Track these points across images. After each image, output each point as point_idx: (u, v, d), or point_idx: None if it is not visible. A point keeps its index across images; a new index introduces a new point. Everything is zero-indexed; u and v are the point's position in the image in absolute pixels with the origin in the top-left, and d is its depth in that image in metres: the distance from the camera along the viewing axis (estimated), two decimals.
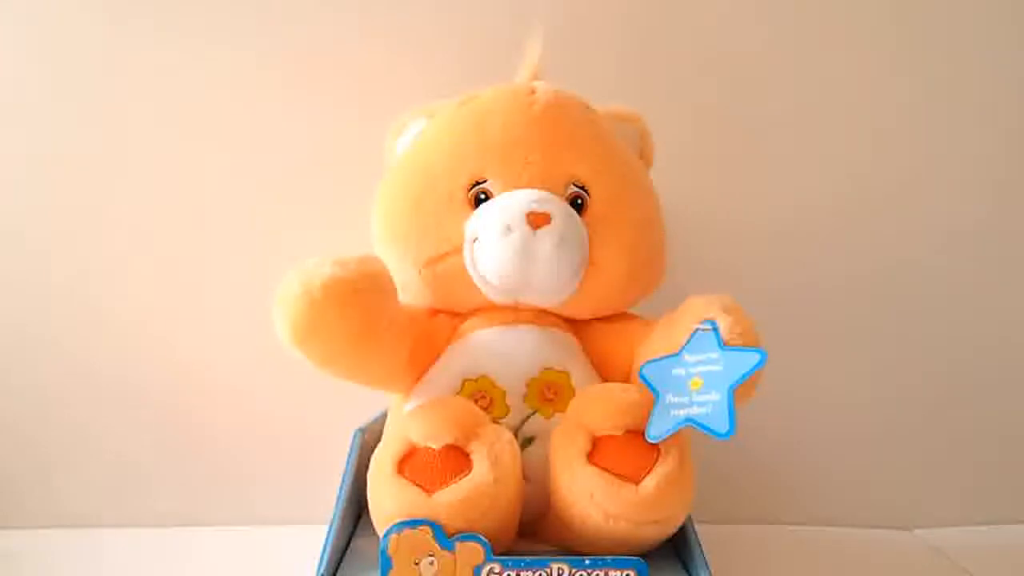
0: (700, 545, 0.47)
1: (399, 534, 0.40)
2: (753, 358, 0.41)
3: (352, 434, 0.55)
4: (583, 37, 0.72)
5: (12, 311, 0.72)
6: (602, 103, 0.58)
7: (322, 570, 0.44)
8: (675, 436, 0.44)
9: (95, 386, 0.73)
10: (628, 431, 0.44)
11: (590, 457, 0.44)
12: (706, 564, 0.45)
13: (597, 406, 0.46)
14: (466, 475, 0.42)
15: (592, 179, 0.53)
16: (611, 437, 0.44)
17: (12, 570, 0.64)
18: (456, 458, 0.43)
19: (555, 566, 0.41)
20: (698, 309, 0.46)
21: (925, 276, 0.77)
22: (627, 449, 0.44)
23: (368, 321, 0.46)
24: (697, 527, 0.48)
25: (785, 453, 0.77)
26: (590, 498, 0.43)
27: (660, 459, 0.43)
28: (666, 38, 0.75)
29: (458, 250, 0.51)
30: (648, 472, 0.43)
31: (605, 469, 0.43)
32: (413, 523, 0.41)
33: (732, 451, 0.74)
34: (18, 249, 0.72)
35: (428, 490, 0.42)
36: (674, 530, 0.46)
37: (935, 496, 0.78)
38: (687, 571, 0.47)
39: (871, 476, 0.78)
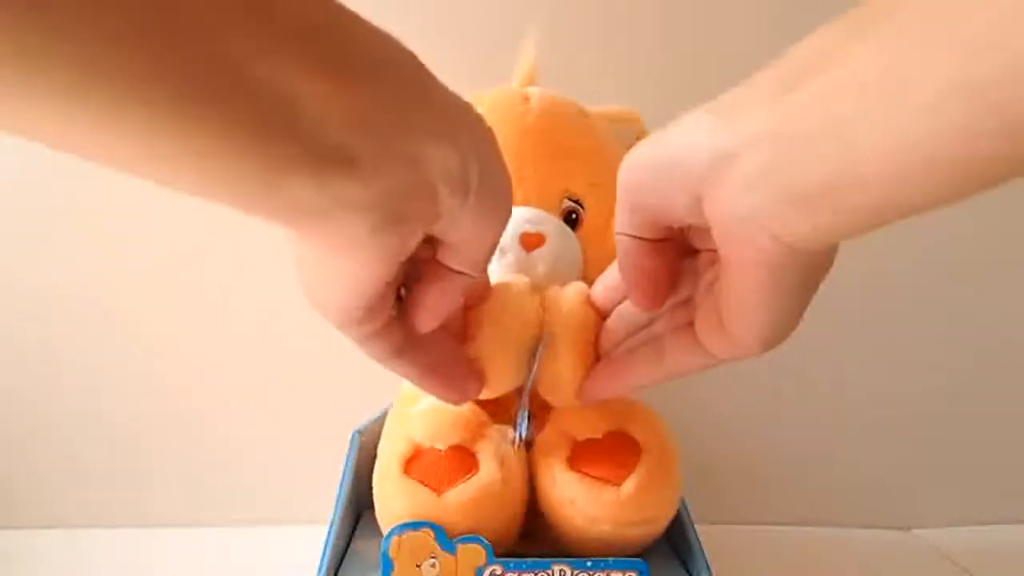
0: (701, 546, 0.47)
1: (401, 536, 0.40)
2: None
3: (351, 435, 0.55)
4: (581, 37, 0.73)
5: (9, 311, 0.72)
6: (601, 104, 0.58)
7: (322, 573, 0.44)
8: (656, 435, 0.44)
9: (93, 386, 0.73)
10: (608, 434, 0.44)
11: (570, 462, 0.44)
12: (707, 565, 0.45)
13: (576, 411, 0.46)
14: (474, 475, 0.42)
15: (587, 192, 0.52)
16: (591, 441, 0.44)
17: (9, 571, 0.64)
18: (463, 458, 0.43)
19: (556, 568, 0.41)
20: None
21: (925, 274, 0.77)
22: (608, 452, 0.44)
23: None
24: (697, 527, 0.48)
25: (784, 453, 0.77)
26: (571, 503, 0.43)
27: (641, 460, 0.43)
28: (665, 38, 0.75)
29: None
30: (630, 473, 0.43)
31: (585, 473, 0.43)
32: (415, 525, 0.41)
33: (729, 451, 0.75)
34: (14, 248, 0.72)
35: (437, 490, 0.42)
36: (660, 530, 0.45)
37: (935, 496, 0.78)
38: (688, 572, 0.47)
39: (870, 476, 0.78)
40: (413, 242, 0.29)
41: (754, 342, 0.32)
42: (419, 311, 0.35)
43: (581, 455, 0.44)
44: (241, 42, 0.21)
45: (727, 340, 0.34)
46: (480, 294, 0.42)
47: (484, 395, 0.42)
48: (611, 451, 0.44)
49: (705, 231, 0.31)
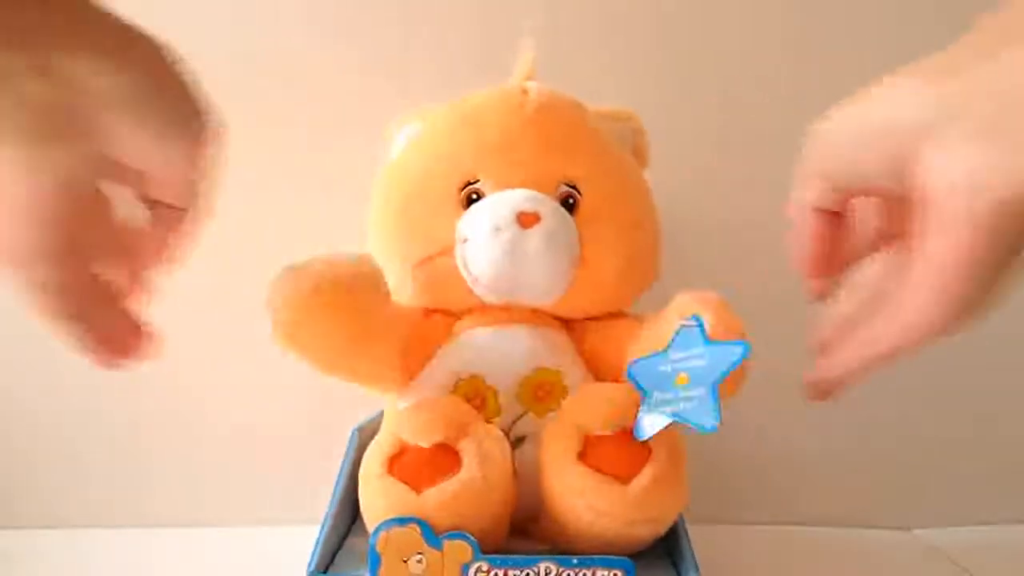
0: (690, 545, 0.47)
1: (388, 532, 0.41)
2: (736, 351, 0.41)
3: (350, 433, 0.56)
4: (578, 37, 0.73)
5: (9, 312, 0.72)
6: (596, 102, 0.58)
7: (313, 567, 0.45)
8: (666, 435, 0.44)
9: (94, 387, 0.73)
10: (620, 431, 0.44)
11: (581, 456, 0.44)
12: (695, 565, 0.45)
13: (589, 405, 0.46)
14: (455, 473, 0.43)
15: (584, 178, 0.53)
16: (603, 437, 0.44)
17: (9, 571, 0.65)
18: (446, 456, 0.44)
19: (543, 565, 0.41)
20: (684, 305, 0.46)
21: None
22: (618, 449, 0.44)
23: (360, 321, 0.46)
24: (691, 527, 0.48)
25: (783, 452, 0.77)
26: (580, 497, 0.43)
27: (651, 458, 0.43)
28: (662, 37, 0.75)
29: (449, 250, 0.51)
30: (639, 471, 0.43)
31: (596, 468, 0.43)
32: (402, 521, 0.41)
33: (729, 450, 0.74)
34: None
35: (417, 488, 0.42)
36: (663, 531, 0.46)
37: (935, 496, 0.77)
38: (677, 571, 0.47)
39: (870, 476, 0.77)
40: (82, 168, 0.28)
41: (948, 319, 0.31)
42: (142, 252, 0.34)
43: (592, 450, 0.44)
44: None
45: (934, 316, 0.32)
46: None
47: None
48: (622, 448, 0.44)
49: (898, 207, 0.31)
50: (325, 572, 0.46)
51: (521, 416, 0.50)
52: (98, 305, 0.32)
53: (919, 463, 0.77)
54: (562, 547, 0.46)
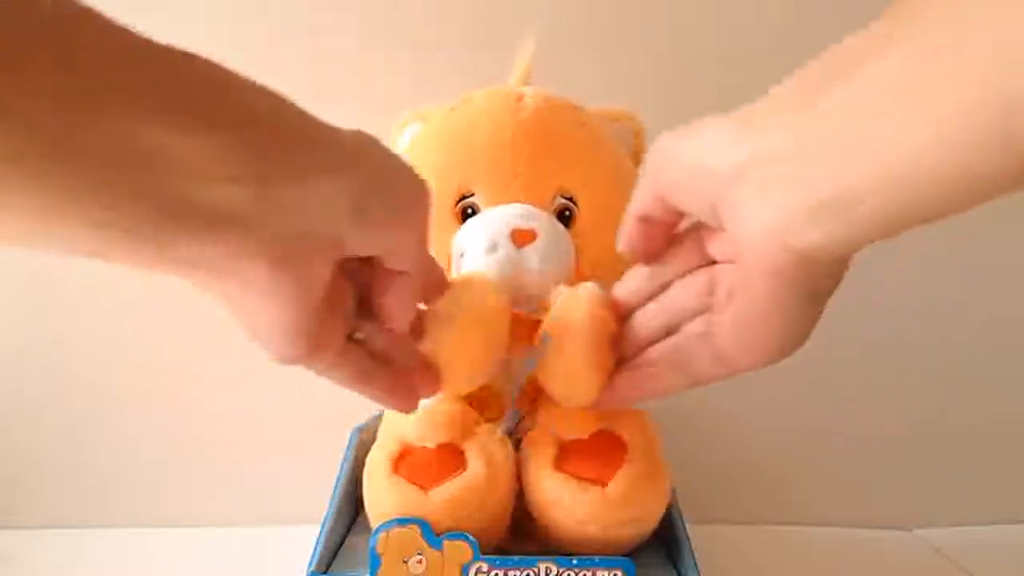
0: (690, 545, 0.46)
1: (388, 532, 0.41)
2: None
3: (350, 432, 0.55)
4: (577, 37, 0.73)
5: (10, 311, 0.72)
6: (596, 103, 0.58)
7: (313, 567, 0.45)
8: (639, 433, 0.44)
9: (95, 387, 0.73)
10: (594, 434, 0.44)
11: (557, 463, 0.44)
12: (695, 565, 0.44)
13: (563, 411, 0.45)
14: (460, 473, 0.43)
15: (581, 190, 0.52)
16: (578, 441, 0.44)
17: (11, 571, 0.65)
18: (451, 457, 0.44)
19: (543, 565, 0.41)
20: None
21: (924, 273, 0.77)
22: (594, 452, 0.44)
23: None
24: (691, 527, 0.48)
25: (783, 452, 0.77)
26: (558, 505, 0.43)
27: (627, 458, 0.43)
28: (662, 37, 0.75)
29: (446, 265, 0.50)
30: (616, 472, 0.43)
31: (573, 475, 0.43)
32: (402, 521, 0.41)
33: (730, 450, 0.74)
34: (13, 251, 0.72)
35: (424, 488, 0.42)
36: (649, 530, 0.45)
37: (935, 496, 0.77)
38: (677, 571, 0.47)
39: (871, 476, 0.77)
40: (321, 276, 0.29)
41: (762, 353, 0.33)
42: (385, 316, 0.36)
43: (567, 456, 0.44)
44: (119, 108, 0.22)
45: (743, 350, 0.33)
46: (437, 288, 0.41)
47: (445, 393, 0.42)
48: (597, 451, 0.44)
49: (725, 239, 0.32)
50: (325, 572, 0.46)
51: (521, 419, 0.50)
52: (369, 366, 0.36)
53: (919, 463, 0.77)
54: (558, 551, 0.46)
